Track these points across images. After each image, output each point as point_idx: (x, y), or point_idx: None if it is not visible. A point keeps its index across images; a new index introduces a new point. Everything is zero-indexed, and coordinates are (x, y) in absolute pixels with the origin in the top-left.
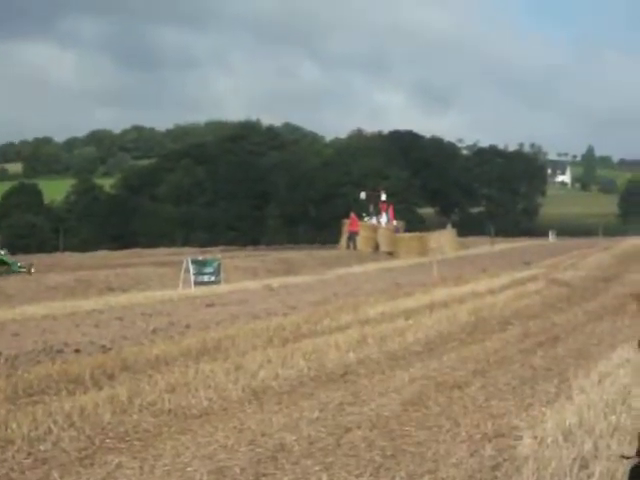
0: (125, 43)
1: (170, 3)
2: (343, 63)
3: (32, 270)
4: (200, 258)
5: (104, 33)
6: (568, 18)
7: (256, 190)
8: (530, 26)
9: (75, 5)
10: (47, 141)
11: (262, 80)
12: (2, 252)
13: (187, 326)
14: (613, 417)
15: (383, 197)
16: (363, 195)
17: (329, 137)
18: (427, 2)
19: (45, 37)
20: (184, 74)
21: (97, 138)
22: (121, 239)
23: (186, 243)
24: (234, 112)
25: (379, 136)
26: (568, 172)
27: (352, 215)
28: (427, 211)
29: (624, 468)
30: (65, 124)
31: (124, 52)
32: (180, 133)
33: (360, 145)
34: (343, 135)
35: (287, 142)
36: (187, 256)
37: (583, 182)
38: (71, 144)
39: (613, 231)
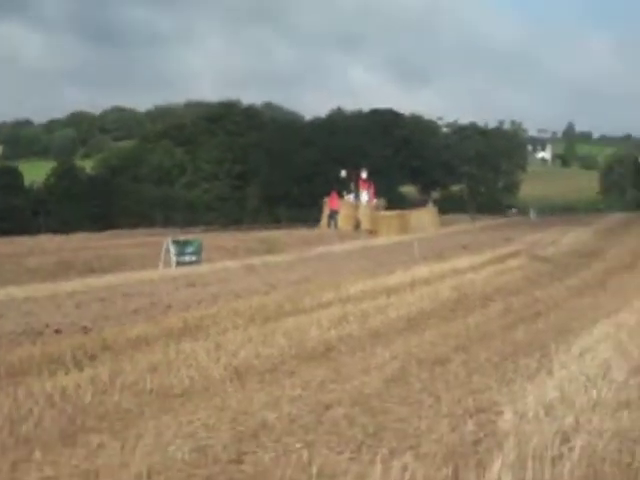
0: (93, 21)
1: None
2: (318, 41)
3: None
4: (181, 238)
5: (71, 12)
6: None
7: (237, 170)
8: (510, 1)
9: None
10: (27, 123)
11: (238, 59)
12: None
13: (168, 306)
14: (594, 391)
15: (364, 175)
16: (344, 173)
17: (309, 116)
18: None
19: (11, 16)
20: (157, 52)
21: (77, 120)
22: (102, 220)
23: (167, 224)
24: (212, 91)
25: (359, 115)
26: (548, 149)
27: (333, 193)
28: (408, 189)
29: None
30: (43, 106)
31: (93, 31)
32: (160, 114)
33: (340, 124)
34: (323, 114)
35: (267, 122)
36: (168, 237)
37: (563, 158)
38: (51, 126)
39: (593, 207)
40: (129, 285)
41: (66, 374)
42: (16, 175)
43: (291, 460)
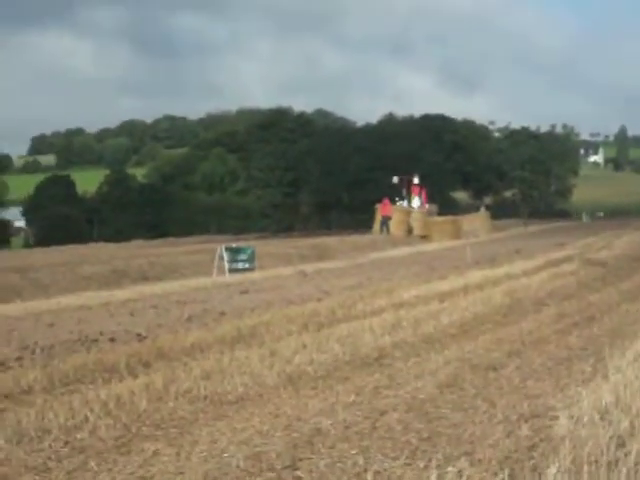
0: (144, 31)
1: None
2: (367, 46)
3: None
4: (234, 245)
5: (122, 21)
6: None
7: (289, 177)
8: (562, 6)
9: None
10: (79, 132)
11: (288, 66)
12: None
13: (222, 313)
14: None
15: (415, 180)
16: (396, 179)
17: (360, 122)
18: None
19: (62, 27)
20: (207, 61)
21: (129, 128)
22: (155, 228)
23: (220, 231)
24: (262, 99)
25: (410, 120)
26: (601, 152)
27: (385, 199)
28: (460, 194)
29: None
30: (95, 114)
31: (144, 40)
32: (212, 122)
33: (391, 129)
34: (374, 120)
35: (319, 128)
36: (221, 244)
37: (616, 162)
38: (103, 135)
39: None
40: (183, 292)
41: (120, 382)
42: (69, 184)
43: (346, 466)
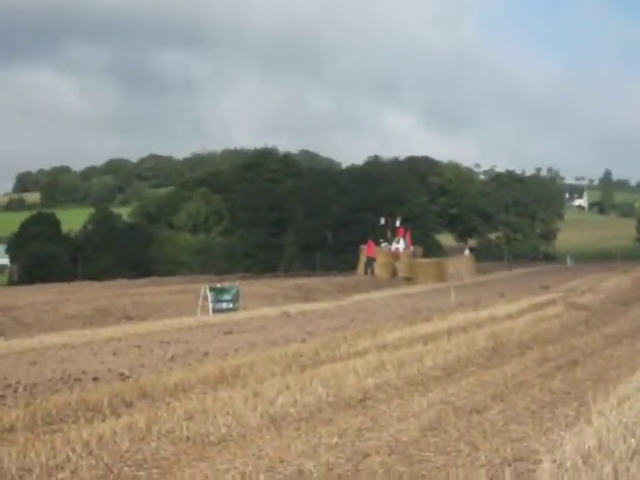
0: (130, 69)
1: (171, 27)
2: (353, 87)
3: None
4: (218, 285)
5: (107, 59)
6: (587, 38)
7: (273, 218)
8: (546, 48)
9: (76, 32)
10: (64, 170)
11: (273, 106)
12: None
13: (205, 353)
14: (632, 440)
15: (397, 223)
16: (383, 221)
17: (345, 163)
18: (436, 23)
19: (48, 64)
20: (193, 100)
21: (114, 167)
22: (139, 268)
23: (204, 271)
24: (247, 139)
25: (395, 162)
26: (585, 196)
27: (369, 241)
28: (445, 237)
29: None
30: (80, 152)
31: (129, 78)
32: (197, 161)
33: (377, 171)
34: (359, 161)
35: (303, 169)
36: (205, 284)
37: (601, 206)
38: (88, 173)
39: (631, 255)
40: (166, 332)
41: (103, 421)
42: (53, 222)
43: None
